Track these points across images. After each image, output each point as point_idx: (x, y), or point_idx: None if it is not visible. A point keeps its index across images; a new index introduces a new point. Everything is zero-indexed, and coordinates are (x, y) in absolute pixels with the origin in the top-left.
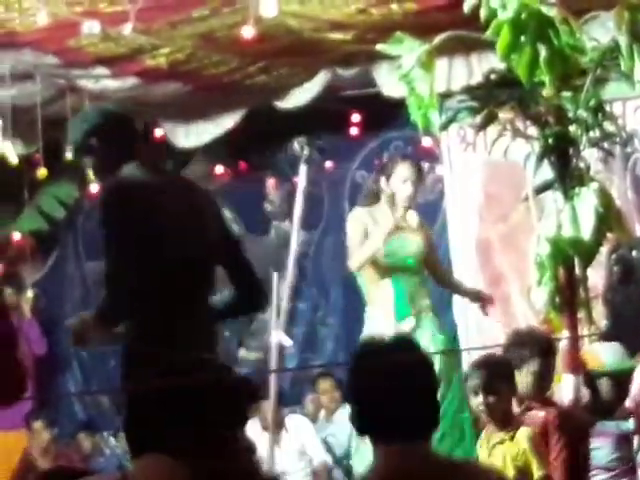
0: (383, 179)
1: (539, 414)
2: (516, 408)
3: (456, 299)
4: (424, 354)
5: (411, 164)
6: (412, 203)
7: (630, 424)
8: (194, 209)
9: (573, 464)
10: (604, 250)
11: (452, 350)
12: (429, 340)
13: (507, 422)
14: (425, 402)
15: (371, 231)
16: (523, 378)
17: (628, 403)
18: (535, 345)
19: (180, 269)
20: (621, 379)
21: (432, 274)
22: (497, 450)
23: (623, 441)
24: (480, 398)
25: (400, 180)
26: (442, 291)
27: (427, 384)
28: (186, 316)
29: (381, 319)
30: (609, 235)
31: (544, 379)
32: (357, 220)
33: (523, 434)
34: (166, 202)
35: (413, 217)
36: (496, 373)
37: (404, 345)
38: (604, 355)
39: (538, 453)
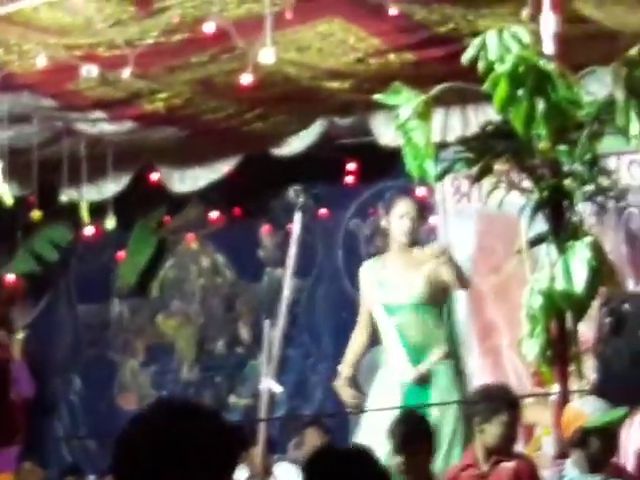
0: (385, 218)
1: (508, 465)
2: (484, 464)
3: None
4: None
5: (410, 200)
6: (411, 239)
7: None
8: None
9: None
10: (596, 304)
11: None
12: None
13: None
14: None
15: (381, 279)
16: (493, 429)
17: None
18: (504, 397)
19: None
20: (608, 434)
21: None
22: None
23: None
24: (399, 457)
25: (398, 216)
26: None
27: None
28: None
29: (390, 365)
30: (601, 288)
31: (513, 430)
32: (366, 271)
33: None
34: None
35: (418, 252)
36: (417, 430)
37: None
38: (588, 410)
39: None
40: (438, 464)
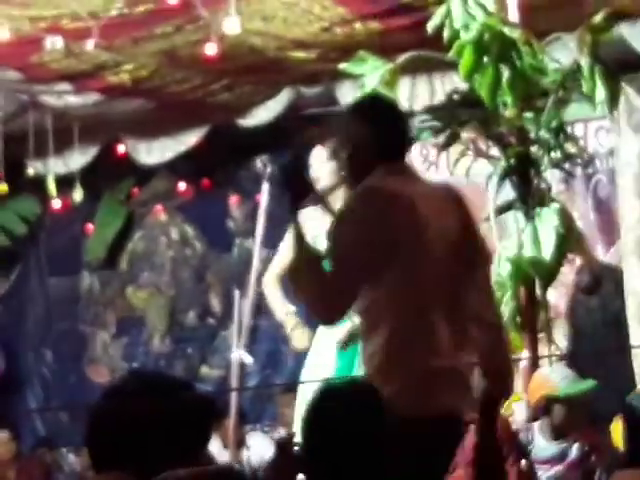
0: None
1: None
2: None
3: None
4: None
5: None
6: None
7: (573, 449)
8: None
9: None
10: (565, 270)
11: None
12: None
13: None
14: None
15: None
16: None
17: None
18: None
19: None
20: (574, 403)
21: None
22: None
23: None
24: None
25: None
26: None
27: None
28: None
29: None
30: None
31: None
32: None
33: None
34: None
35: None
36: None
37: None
38: (556, 379)
39: None
40: None
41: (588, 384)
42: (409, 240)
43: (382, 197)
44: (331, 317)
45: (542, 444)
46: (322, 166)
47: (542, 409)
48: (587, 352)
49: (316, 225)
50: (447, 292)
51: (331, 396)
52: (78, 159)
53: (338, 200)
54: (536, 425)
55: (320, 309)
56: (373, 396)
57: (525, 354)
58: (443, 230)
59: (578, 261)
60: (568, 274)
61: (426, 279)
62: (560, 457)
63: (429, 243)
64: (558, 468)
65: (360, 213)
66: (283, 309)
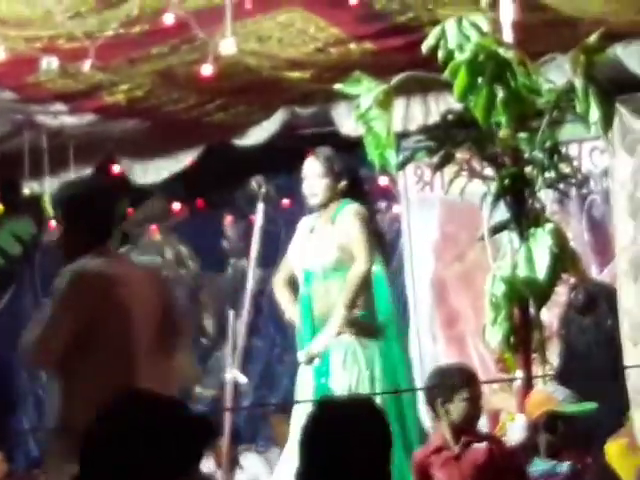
0: None
1: (480, 446)
2: (454, 445)
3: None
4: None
5: (314, 158)
6: (319, 200)
7: (564, 467)
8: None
9: None
10: (559, 290)
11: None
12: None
13: None
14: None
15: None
16: (458, 407)
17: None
18: (462, 374)
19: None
20: (573, 422)
21: None
22: None
23: None
24: None
25: (303, 179)
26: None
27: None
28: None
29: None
30: (568, 276)
31: (477, 406)
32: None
33: None
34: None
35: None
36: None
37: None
38: (560, 397)
39: None
40: None
41: (592, 405)
42: (108, 318)
43: (84, 280)
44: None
45: (544, 465)
46: (315, 182)
47: (544, 424)
48: (581, 371)
49: (312, 236)
50: (146, 362)
51: (330, 416)
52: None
53: (331, 212)
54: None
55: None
56: (374, 414)
57: (519, 374)
58: (143, 307)
59: (572, 280)
60: (562, 294)
61: (125, 352)
62: (551, 474)
63: (128, 321)
64: None
65: (64, 294)
66: (293, 309)
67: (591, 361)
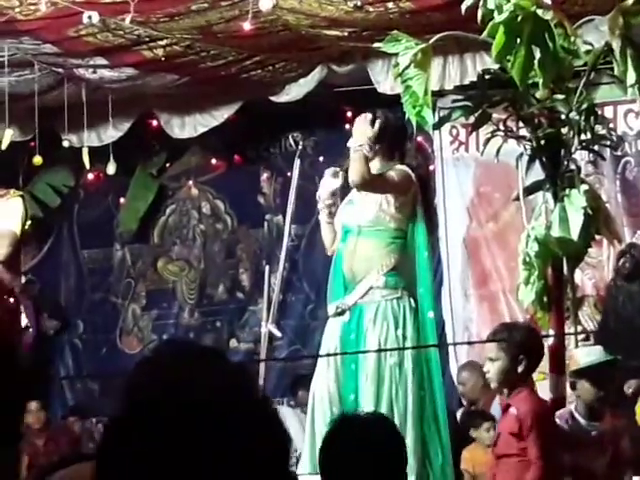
0: None
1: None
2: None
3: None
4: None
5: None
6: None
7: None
8: None
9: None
10: (592, 251)
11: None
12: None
13: None
14: None
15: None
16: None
17: None
18: (521, 330)
19: None
20: (597, 378)
21: None
22: None
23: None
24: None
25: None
26: None
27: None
28: None
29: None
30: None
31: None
32: None
33: None
34: None
35: None
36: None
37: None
38: (583, 358)
39: None
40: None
41: (610, 357)
42: None
43: None
44: None
45: (583, 423)
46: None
47: (570, 385)
48: (626, 335)
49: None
50: None
51: (348, 435)
52: (112, 132)
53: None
54: (572, 406)
55: None
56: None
57: (551, 333)
58: None
59: (618, 247)
60: (596, 256)
61: None
62: (585, 432)
63: None
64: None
65: None
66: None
67: (635, 325)
